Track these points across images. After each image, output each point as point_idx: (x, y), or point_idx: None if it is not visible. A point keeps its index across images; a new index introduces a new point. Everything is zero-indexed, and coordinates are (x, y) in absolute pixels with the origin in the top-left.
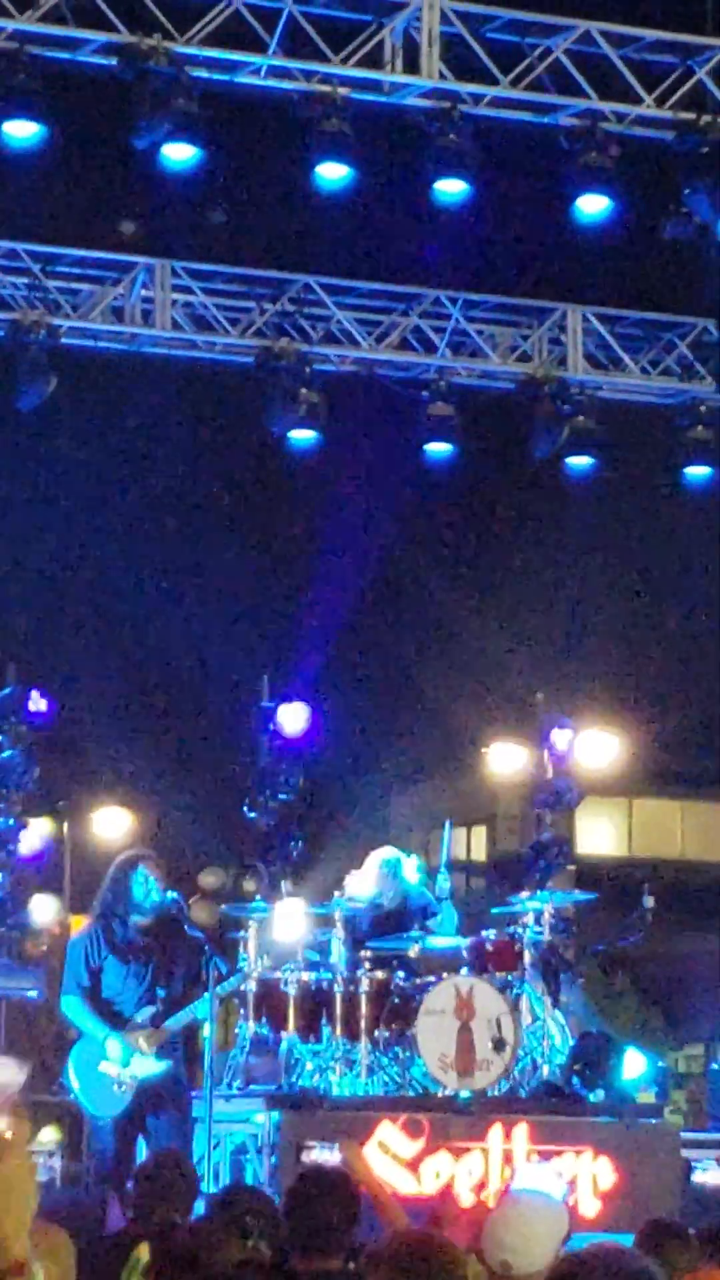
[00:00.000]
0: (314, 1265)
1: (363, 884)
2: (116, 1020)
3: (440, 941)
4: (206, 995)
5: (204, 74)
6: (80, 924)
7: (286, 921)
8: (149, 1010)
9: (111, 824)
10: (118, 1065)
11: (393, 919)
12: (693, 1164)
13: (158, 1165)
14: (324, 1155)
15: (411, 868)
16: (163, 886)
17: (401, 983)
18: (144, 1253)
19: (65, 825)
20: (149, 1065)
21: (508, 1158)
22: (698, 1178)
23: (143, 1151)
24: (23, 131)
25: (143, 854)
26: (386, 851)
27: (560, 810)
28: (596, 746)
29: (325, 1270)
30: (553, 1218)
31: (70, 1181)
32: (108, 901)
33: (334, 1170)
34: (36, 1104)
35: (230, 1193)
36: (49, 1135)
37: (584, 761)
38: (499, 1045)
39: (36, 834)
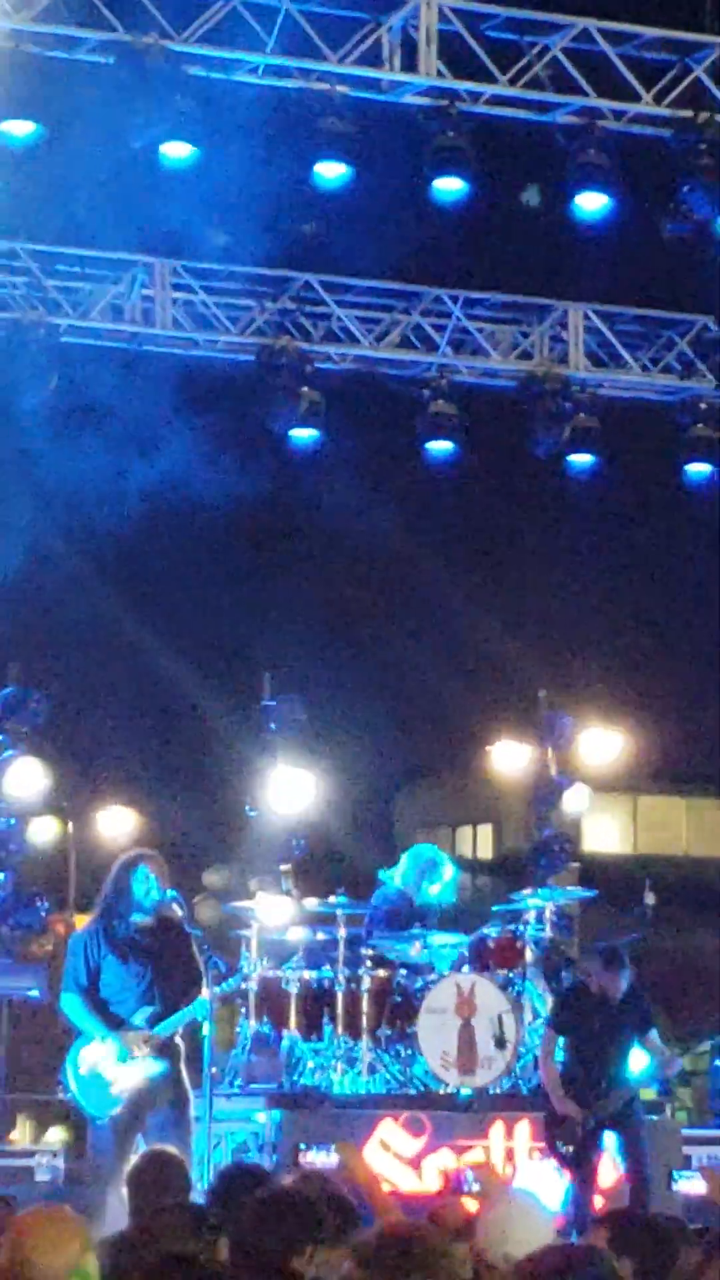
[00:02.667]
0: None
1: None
2: (114, 1020)
3: (442, 940)
4: (204, 1004)
5: (201, 72)
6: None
7: (271, 914)
8: (147, 1010)
9: (116, 823)
10: (114, 1066)
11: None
12: (674, 1172)
13: (148, 1164)
14: (321, 1157)
15: (448, 874)
16: (164, 885)
17: (403, 980)
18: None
19: (70, 825)
20: (146, 1066)
21: (509, 1155)
22: (679, 1186)
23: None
24: (20, 130)
25: (144, 853)
26: (427, 849)
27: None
28: (601, 744)
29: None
30: (544, 1213)
31: (73, 1182)
32: (109, 899)
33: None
34: (42, 1104)
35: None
36: (55, 1135)
37: (588, 759)
38: (500, 1043)
39: (43, 834)
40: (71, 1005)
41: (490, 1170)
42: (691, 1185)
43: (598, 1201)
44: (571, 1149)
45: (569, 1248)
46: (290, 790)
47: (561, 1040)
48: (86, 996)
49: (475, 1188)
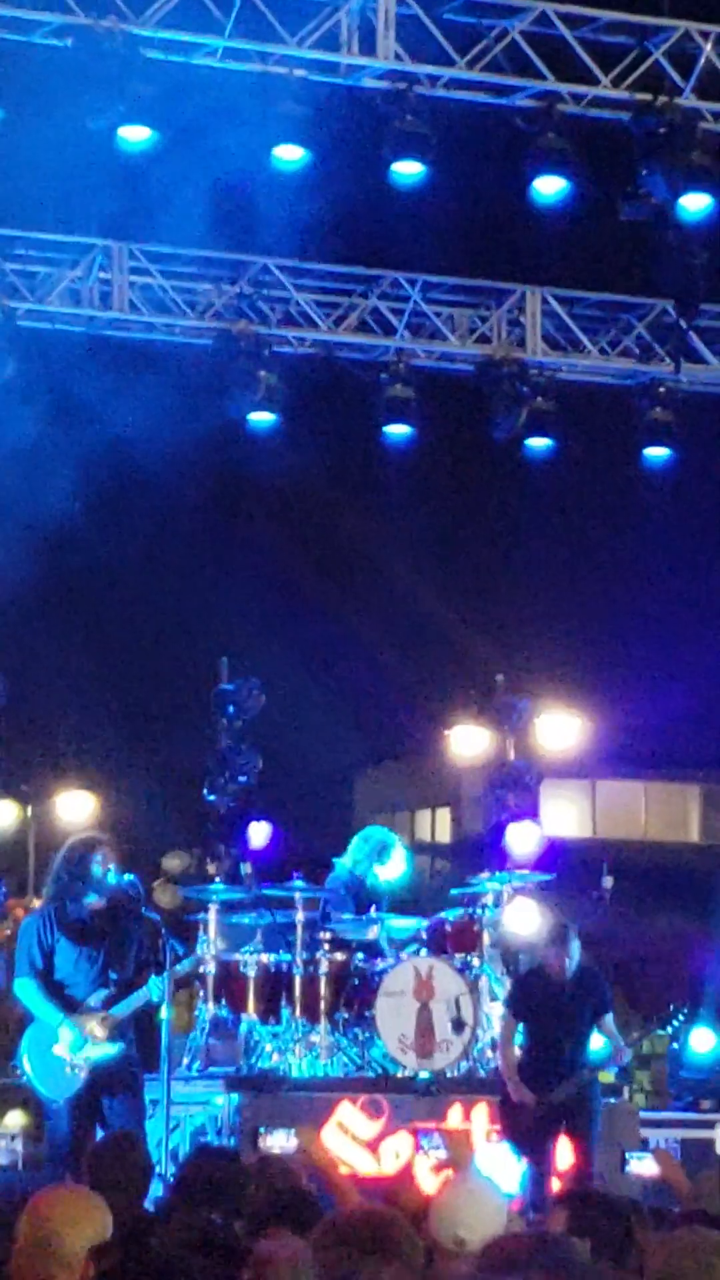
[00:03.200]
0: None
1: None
2: (69, 1004)
3: (399, 924)
4: (159, 978)
5: (159, 55)
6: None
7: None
8: (102, 994)
9: (75, 807)
10: (69, 1049)
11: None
12: (626, 1153)
13: (109, 1148)
14: (280, 1140)
15: (399, 858)
16: (119, 870)
17: (361, 964)
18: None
19: (29, 809)
20: (101, 1049)
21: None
22: (632, 1167)
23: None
24: None
25: (98, 838)
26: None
27: (519, 792)
28: (559, 728)
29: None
30: (498, 1197)
31: (33, 1166)
32: (61, 882)
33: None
34: (1, 1088)
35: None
36: (13, 1119)
37: (546, 743)
38: (458, 1026)
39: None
40: (26, 990)
41: (459, 1136)
42: (645, 1167)
43: (555, 1185)
44: (526, 1134)
45: (531, 1235)
46: (247, 773)
47: (521, 1025)
48: (41, 980)
49: (441, 1154)
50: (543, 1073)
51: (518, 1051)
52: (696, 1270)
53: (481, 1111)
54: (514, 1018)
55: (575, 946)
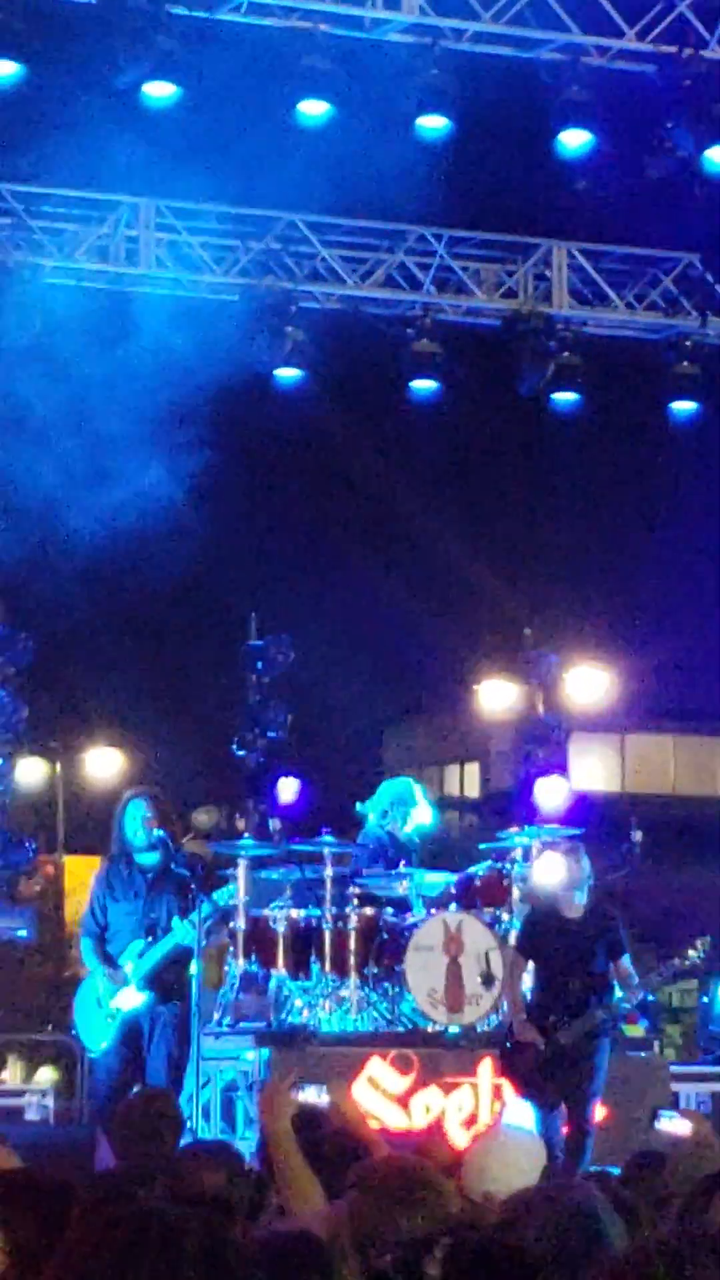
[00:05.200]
0: None
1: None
2: (108, 958)
3: (430, 879)
4: (185, 922)
5: (184, 11)
6: (75, 864)
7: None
8: (139, 944)
9: (104, 764)
10: (103, 996)
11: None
12: (659, 1112)
13: (139, 1103)
14: (312, 1095)
15: (423, 811)
16: (154, 824)
17: (390, 919)
18: None
19: (58, 766)
20: (132, 998)
21: (497, 1092)
22: (662, 1125)
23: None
24: (3, 70)
25: (138, 790)
26: (400, 784)
27: (549, 746)
28: (588, 682)
29: None
30: (532, 1150)
31: (63, 1121)
32: (113, 841)
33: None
34: (32, 1044)
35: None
36: (45, 1075)
37: (575, 697)
38: (488, 980)
39: (30, 774)
40: (84, 947)
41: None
42: (675, 1125)
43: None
44: (529, 1075)
45: (554, 1189)
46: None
47: (531, 966)
48: (96, 939)
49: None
50: (550, 1013)
51: (526, 992)
52: None
53: None
54: (521, 955)
55: (585, 865)
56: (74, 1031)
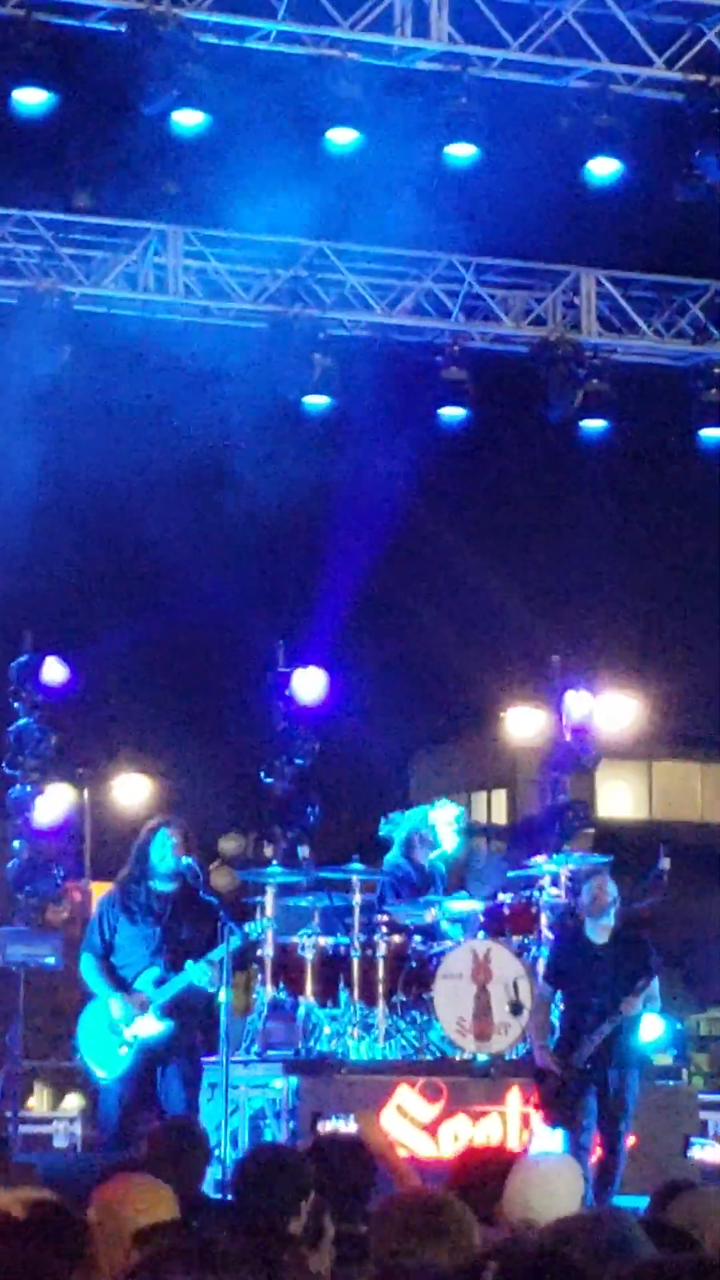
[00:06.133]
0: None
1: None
2: (120, 982)
3: (458, 906)
4: (201, 965)
5: (213, 40)
6: (103, 890)
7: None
8: (155, 971)
9: (131, 791)
10: (120, 1021)
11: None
12: (690, 1140)
13: (167, 1131)
14: (340, 1126)
15: (449, 837)
16: (181, 852)
17: (419, 946)
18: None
19: (85, 792)
20: (150, 1025)
21: (525, 1121)
22: (695, 1153)
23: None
24: (33, 99)
25: (167, 819)
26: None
27: (576, 773)
28: (615, 709)
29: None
30: (571, 1178)
31: (91, 1148)
32: (130, 865)
33: (350, 1136)
34: (59, 1071)
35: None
36: (72, 1102)
37: (603, 724)
38: (516, 1008)
39: (58, 802)
40: (86, 966)
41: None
42: (708, 1153)
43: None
44: (554, 1101)
45: (593, 1215)
46: (304, 755)
47: (559, 994)
48: (100, 959)
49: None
50: (574, 1039)
51: (551, 1021)
52: None
53: None
54: (547, 984)
55: (611, 889)
56: (79, 1057)
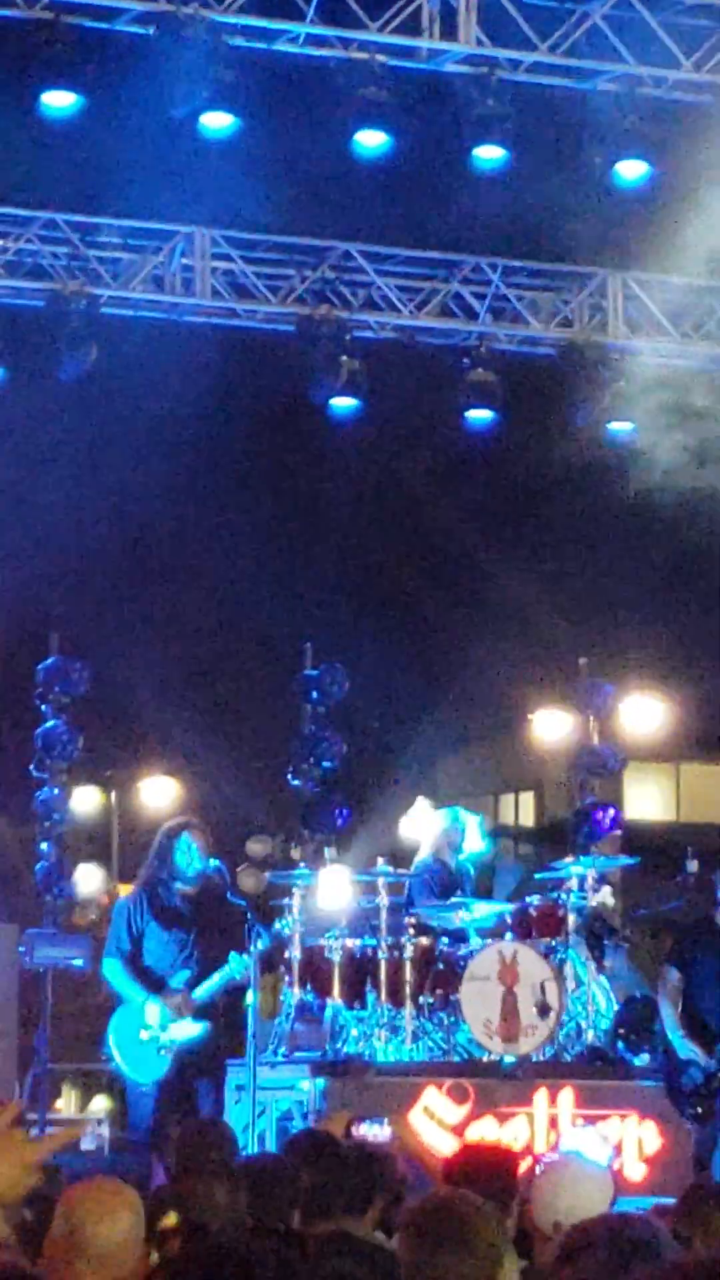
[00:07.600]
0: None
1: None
2: (154, 985)
3: (485, 908)
4: (241, 956)
5: (242, 42)
6: (128, 891)
7: (331, 889)
8: (185, 974)
9: (158, 793)
10: (158, 1025)
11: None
12: None
13: (196, 1134)
14: (374, 1130)
15: (476, 838)
16: (206, 854)
17: (446, 948)
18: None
19: (113, 794)
20: (188, 1028)
21: (553, 1122)
22: None
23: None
24: (61, 101)
25: (188, 821)
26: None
27: (604, 776)
28: (643, 712)
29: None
30: (601, 1180)
31: (119, 1150)
32: (154, 867)
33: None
34: (87, 1073)
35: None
36: (100, 1104)
37: (630, 727)
38: (543, 1010)
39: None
40: (113, 970)
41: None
42: None
43: (641, 1168)
44: (692, 1094)
45: (618, 1217)
46: (331, 758)
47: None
48: (128, 962)
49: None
50: (703, 1029)
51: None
52: None
53: (567, 1096)
54: (670, 966)
55: None
56: (112, 1063)
